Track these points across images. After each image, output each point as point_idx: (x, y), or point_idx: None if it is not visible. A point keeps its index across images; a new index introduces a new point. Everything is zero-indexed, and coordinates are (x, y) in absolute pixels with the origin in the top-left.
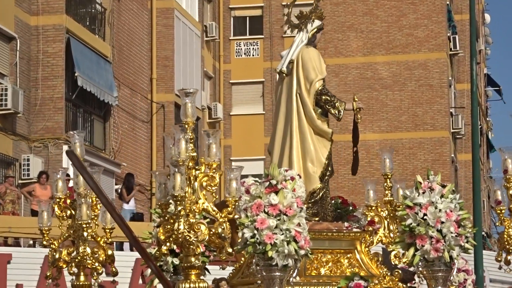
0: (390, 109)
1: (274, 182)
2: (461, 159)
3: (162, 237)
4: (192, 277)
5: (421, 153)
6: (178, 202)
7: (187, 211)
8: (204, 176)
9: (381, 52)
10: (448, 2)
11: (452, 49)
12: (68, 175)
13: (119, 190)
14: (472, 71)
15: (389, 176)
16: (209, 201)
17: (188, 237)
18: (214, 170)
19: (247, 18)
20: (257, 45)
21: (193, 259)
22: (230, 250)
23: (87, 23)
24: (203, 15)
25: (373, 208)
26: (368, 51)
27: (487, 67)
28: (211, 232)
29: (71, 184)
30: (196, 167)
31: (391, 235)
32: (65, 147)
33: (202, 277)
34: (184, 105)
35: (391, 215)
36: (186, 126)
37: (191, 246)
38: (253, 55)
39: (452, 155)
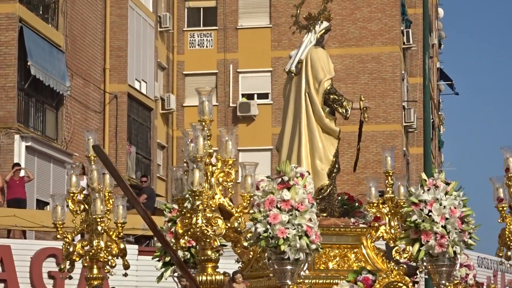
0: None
1: (286, 178)
2: (412, 153)
3: (180, 231)
4: (209, 270)
5: (373, 146)
6: (197, 197)
7: (204, 205)
8: (220, 172)
9: (334, 45)
10: None
11: (405, 43)
12: (18, 164)
13: None
14: (425, 65)
15: (390, 174)
16: (225, 196)
17: (205, 231)
18: (230, 166)
19: (201, 9)
20: (211, 37)
21: (209, 252)
22: (245, 243)
23: (40, 12)
24: (157, 5)
25: (375, 204)
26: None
27: (440, 61)
28: (227, 226)
29: (22, 173)
30: (213, 164)
31: (392, 231)
32: (17, 137)
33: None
34: (201, 103)
35: (392, 211)
36: (204, 123)
37: (208, 240)
38: (207, 47)
39: (404, 149)
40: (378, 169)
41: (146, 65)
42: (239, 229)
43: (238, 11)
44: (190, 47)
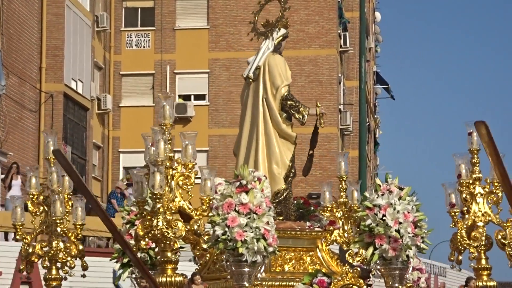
0: None
1: (244, 182)
2: (348, 156)
3: (141, 233)
4: (169, 271)
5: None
6: (157, 200)
7: (165, 208)
8: (180, 175)
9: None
10: (339, 0)
11: (342, 46)
12: None
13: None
14: (361, 68)
15: (344, 179)
16: (184, 199)
17: (166, 233)
18: (190, 170)
19: (139, 9)
20: (148, 37)
21: (169, 254)
22: (204, 246)
23: None
24: (94, 5)
25: (329, 209)
26: (259, 45)
27: (377, 65)
28: (187, 229)
29: None
30: (173, 167)
31: (346, 235)
32: None
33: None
34: (162, 108)
35: (346, 216)
36: (164, 127)
37: (168, 242)
38: (144, 47)
39: (340, 151)
40: (313, 171)
41: (82, 64)
42: (198, 231)
43: (175, 12)
44: (127, 47)
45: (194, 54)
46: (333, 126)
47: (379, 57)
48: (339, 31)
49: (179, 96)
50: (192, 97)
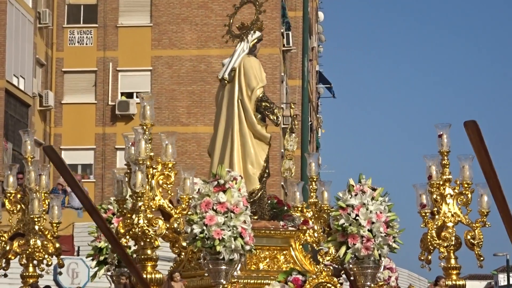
0: None
1: (222, 181)
2: None
3: (122, 231)
4: (149, 268)
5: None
6: (139, 198)
7: (146, 206)
8: (160, 174)
9: (214, 45)
10: None
11: (285, 45)
12: None
13: None
14: (304, 68)
15: (314, 179)
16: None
17: (147, 231)
18: (169, 169)
19: (82, 6)
20: (91, 34)
21: (149, 251)
22: (184, 243)
23: None
24: (37, 1)
25: (299, 209)
26: (202, 44)
27: (319, 65)
28: (167, 227)
29: None
30: (153, 166)
31: (315, 234)
32: None
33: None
34: (143, 108)
35: (316, 215)
36: (145, 127)
37: (149, 239)
38: (86, 44)
39: (282, 150)
40: None
41: (24, 61)
42: (178, 229)
43: (118, 9)
44: (69, 44)
45: (136, 52)
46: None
47: (322, 56)
48: (282, 30)
49: (122, 93)
50: (135, 94)
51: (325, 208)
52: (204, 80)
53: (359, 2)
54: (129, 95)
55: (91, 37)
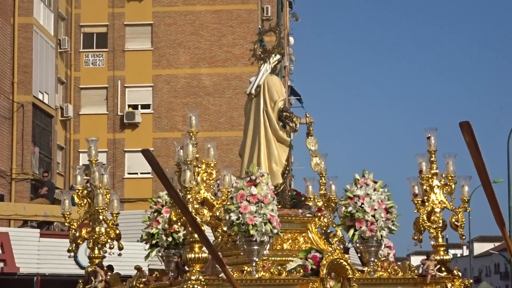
0: (212, 112)
1: (253, 177)
2: None
3: (174, 219)
4: (196, 249)
5: (236, 149)
6: (188, 192)
7: (193, 199)
8: (204, 172)
9: (204, 65)
10: (260, 26)
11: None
12: None
13: None
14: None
15: (323, 174)
16: (207, 191)
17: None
18: (211, 168)
19: (94, 34)
20: (102, 57)
21: (196, 235)
22: (224, 228)
23: None
24: (58, 30)
25: (312, 199)
26: (194, 64)
27: (291, 80)
28: (211, 215)
29: None
30: (198, 166)
31: (325, 220)
32: None
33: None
34: (189, 118)
35: (325, 205)
36: (191, 134)
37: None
38: (99, 65)
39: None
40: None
41: (48, 79)
42: (219, 217)
43: (125, 36)
44: (85, 65)
45: (140, 71)
46: None
47: (293, 73)
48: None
49: (128, 105)
50: (139, 106)
51: (333, 198)
52: (196, 94)
53: (325, 25)
54: (135, 107)
55: (103, 59)
